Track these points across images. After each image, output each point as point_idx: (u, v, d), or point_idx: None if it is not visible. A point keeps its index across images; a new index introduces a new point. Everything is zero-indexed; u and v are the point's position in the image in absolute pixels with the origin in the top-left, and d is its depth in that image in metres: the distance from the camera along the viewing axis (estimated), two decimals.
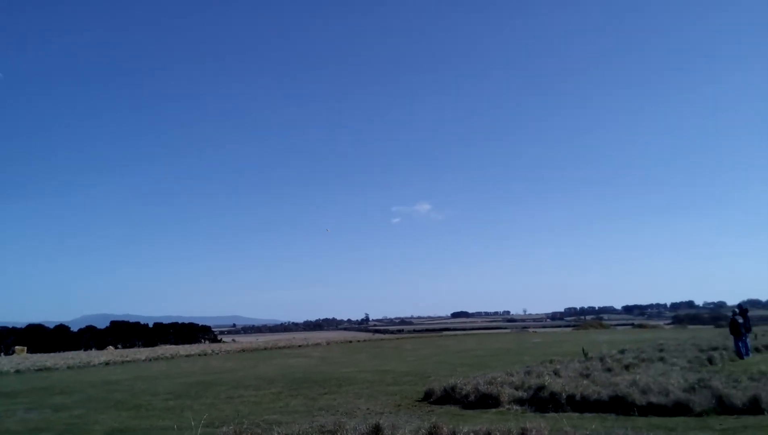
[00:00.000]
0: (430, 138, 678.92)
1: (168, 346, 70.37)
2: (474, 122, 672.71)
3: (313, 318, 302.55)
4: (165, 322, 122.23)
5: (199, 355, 43.33)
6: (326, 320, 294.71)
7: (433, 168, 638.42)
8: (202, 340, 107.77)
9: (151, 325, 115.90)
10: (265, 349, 48.26)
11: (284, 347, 49.52)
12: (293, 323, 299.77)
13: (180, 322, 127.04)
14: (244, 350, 47.24)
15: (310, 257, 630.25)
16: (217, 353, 44.37)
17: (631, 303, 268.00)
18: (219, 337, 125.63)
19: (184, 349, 51.97)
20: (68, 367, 32.76)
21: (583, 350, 23.61)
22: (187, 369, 29.81)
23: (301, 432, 9.04)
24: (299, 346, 51.15)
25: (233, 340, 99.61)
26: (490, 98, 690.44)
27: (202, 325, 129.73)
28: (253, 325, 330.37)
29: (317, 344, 53.59)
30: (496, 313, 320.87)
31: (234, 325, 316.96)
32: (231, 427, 9.41)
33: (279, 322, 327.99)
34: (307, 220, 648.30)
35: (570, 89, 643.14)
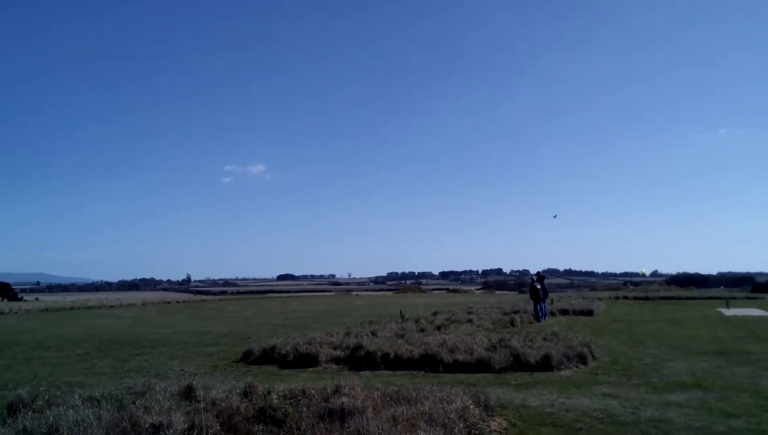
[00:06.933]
0: (268, 100, 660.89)
1: None
2: (312, 89, 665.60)
3: (129, 278, 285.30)
4: None
5: None
6: (143, 280, 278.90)
7: (270, 129, 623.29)
8: (0, 298, 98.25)
9: None
10: (72, 308, 44.83)
11: (94, 307, 46.32)
12: (106, 283, 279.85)
13: None
14: (47, 309, 43.49)
15: (128, 213, 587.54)
16: (16, 312, 40.57)
17: (447, 269, 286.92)
18: (20, 296, 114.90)
19: None
20: None
21: (400, 312, 24.84)
22: None
23: (106, 394, 8.47)
24: (111, 306, 48.13)
25: (36, 299, 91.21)
26: (325, 68, 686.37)
27: (1, 282, 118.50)
28: (60, 284, 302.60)
29: (131, 305, 50.75)
30: (321, 277, 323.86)
31: (38, 283, 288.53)
32: (26, 389, 8.60)
33: (90, 281, 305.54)
34: (128, 173, 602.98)
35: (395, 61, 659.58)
